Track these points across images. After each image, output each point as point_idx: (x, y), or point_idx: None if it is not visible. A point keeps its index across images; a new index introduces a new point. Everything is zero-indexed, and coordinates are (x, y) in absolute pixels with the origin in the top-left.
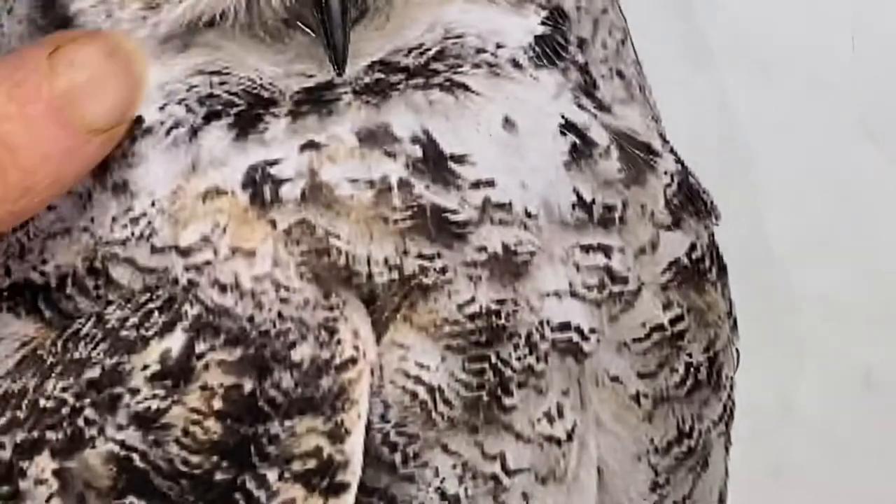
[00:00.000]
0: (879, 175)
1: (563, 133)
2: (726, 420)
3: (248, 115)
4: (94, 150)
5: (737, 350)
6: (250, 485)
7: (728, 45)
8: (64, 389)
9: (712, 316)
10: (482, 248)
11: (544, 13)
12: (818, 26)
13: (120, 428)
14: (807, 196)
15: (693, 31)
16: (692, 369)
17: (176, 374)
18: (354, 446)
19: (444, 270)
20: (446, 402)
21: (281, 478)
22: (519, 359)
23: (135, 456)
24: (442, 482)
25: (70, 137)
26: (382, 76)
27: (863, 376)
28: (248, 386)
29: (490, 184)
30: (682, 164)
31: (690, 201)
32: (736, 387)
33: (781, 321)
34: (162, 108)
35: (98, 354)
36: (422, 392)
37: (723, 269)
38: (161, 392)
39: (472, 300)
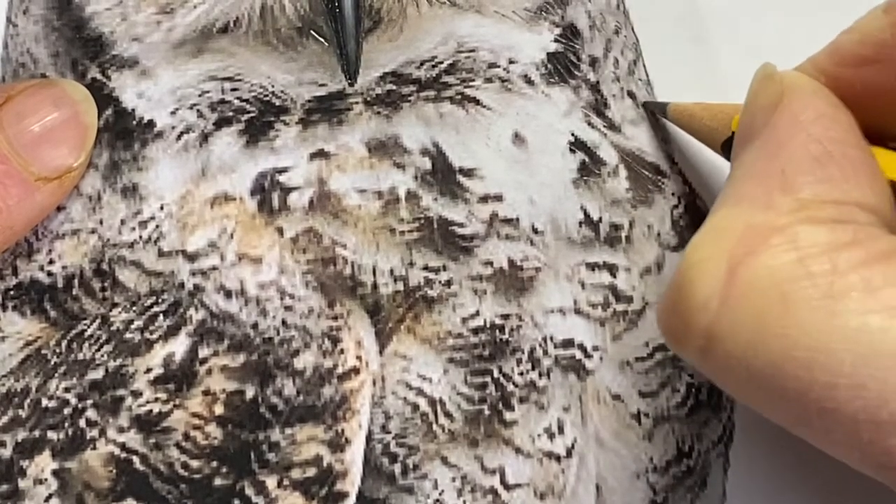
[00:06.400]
0: None
1: (572, 151)
2: (726, 441)
3: (259, 122)
4: (44, 197)
5: None
6: (249, 491)
7: (742, 71)
8: (67, 390)
9: None
10: (488, 263)
11: (557, 30)
12: (830, 38)
13: (121, 430)
14: None
15: (707, 56)
16: (693, 390)
17: (179, 379)
18: (354, 456)
19: (449, 283)
20: (447, 414)
21: (280, 485)
22: (521, 374)
23: (135, 458)
24: (441, 494)
25: (19, 186)
26: (394, 87)
27: None
28: (249, 392)
29: (498, 198)
30: (690, 186)
31: (697, 223)
32: (736, 408)
33: None
34: (173, 113)
35: (102, 356)
36: (423, 404)
37: None
38: (163, 396)
39: (477, 314)
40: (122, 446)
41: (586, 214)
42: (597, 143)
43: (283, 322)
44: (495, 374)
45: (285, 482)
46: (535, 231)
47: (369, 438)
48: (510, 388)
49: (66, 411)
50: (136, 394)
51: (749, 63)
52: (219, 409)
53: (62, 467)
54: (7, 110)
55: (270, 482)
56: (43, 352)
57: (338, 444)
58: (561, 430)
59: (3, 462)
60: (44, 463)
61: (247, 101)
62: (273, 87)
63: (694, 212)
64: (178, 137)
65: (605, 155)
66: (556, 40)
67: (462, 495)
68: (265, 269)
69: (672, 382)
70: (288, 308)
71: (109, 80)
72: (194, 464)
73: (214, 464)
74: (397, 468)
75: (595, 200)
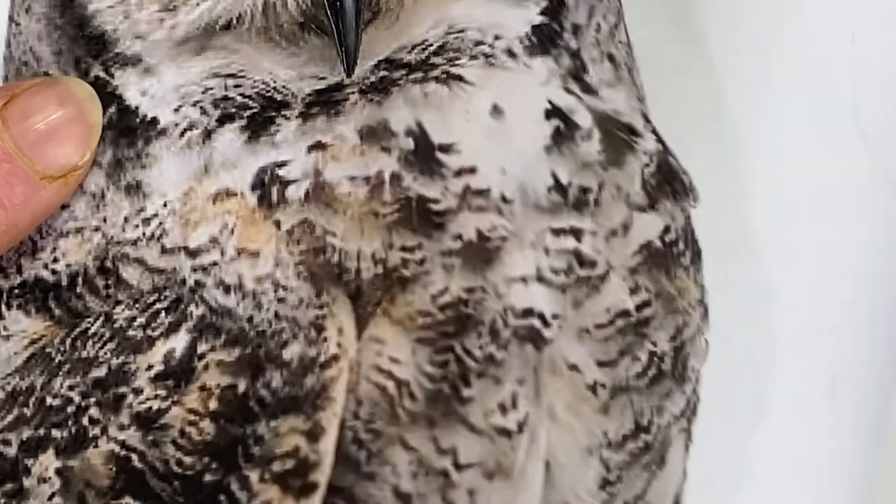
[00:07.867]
0: (863, 173)
1: (547, 118)
2: (689, 416)
3: (261, 117)
4: (49, 196)
5: (706, 340)
6: (234, 486)
7: (724, 28)
8: (70, 388)
9: (682, 302)
10: (458, 237)
11: (544, 3)
12: (818, 13)
13: (122, 428)
14: (790, 187)
15: (689, 14)
16: (656, 358)
17: (178, 375)
18: (328, 446)
19: (422, 261)
20: (411, 395)
21: (261, 479)
22: (481, 348)
23: (133, 456)
24: (398, 480)
25: (24, 185)
26: (386, 73)
27: (830, 376)
28: (241, 386)
29: (472, 171)
30: (663, 143)
31: (668, 182)
32: (702, 380)
33: (755, 311)
34: (177, 110)
35: (105, 354)
36: (391, 387)
37: (697, 254)
38: (162, 392)
39: (445, 290)
40: (123, 444)
41: (556, 180)
42: (573, 108)
43: (276, 314)
44: (457, 350)
45: (266, 476)
46: (505, 200)
47: (341, 426)
48: (469, 363)
49: (70, 409)
50: (137, 391)
51: (731, 21)
52: (213, 405)
53: (65, 466)
54: (12, 109)
55: (254, 476)
56: (47, 350)
57: (314, 435)
58: (514, 404)
59: (8, 460)
60: (48, 461)
61: (249, 97)
62: (275, 82)
63: (666, 170)
64: (182, 134)
65: (581, 119)
66: (541, 13)
67: (416, 479)
68: (262, 263)
69: (633, 351)
70: (281, 300)
71: (113, 78)
72: (187, 460)
73: (206, 460)
74: (363, 455)
75: (566, 165)
